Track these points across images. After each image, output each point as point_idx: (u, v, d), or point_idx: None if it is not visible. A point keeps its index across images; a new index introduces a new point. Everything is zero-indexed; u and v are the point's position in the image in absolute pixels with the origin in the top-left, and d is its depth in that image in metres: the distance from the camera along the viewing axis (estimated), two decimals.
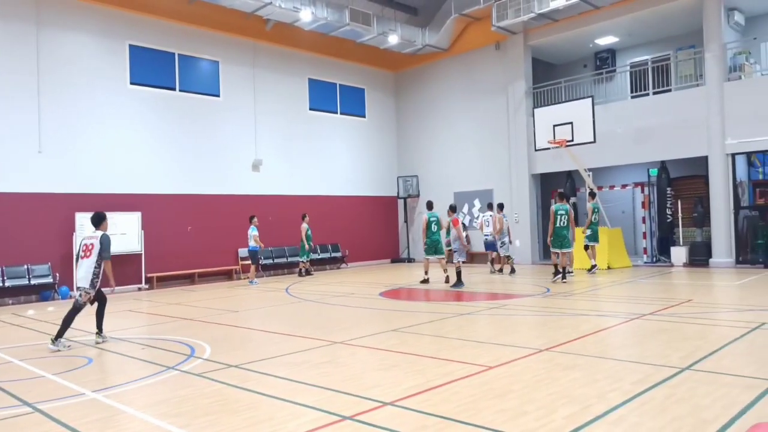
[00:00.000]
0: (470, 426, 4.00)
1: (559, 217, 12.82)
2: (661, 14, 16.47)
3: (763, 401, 4.26)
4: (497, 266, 16.09)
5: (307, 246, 17.33)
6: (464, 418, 4.14)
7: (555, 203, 13.21)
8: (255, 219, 16.08)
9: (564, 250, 12.90)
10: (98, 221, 8.09)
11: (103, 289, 8.08)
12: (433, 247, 13.62)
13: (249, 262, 16.43)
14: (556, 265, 13.02)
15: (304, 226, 17.29)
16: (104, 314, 8.18)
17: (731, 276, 12.91)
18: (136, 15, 16.10)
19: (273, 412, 4.49)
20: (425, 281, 13.88)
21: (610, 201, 18.45)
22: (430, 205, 14.02)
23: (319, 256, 19.73)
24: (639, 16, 16.55)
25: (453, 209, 13.77)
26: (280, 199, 19.03)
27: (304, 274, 17.64)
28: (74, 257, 8.80)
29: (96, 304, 8.08)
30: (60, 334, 7.61)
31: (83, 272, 7.80)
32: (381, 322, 8.76)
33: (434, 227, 13.52)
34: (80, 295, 7.79)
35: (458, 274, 12.84)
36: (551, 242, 12.97)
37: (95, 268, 7.77)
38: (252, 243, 15.87)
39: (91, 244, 7.86)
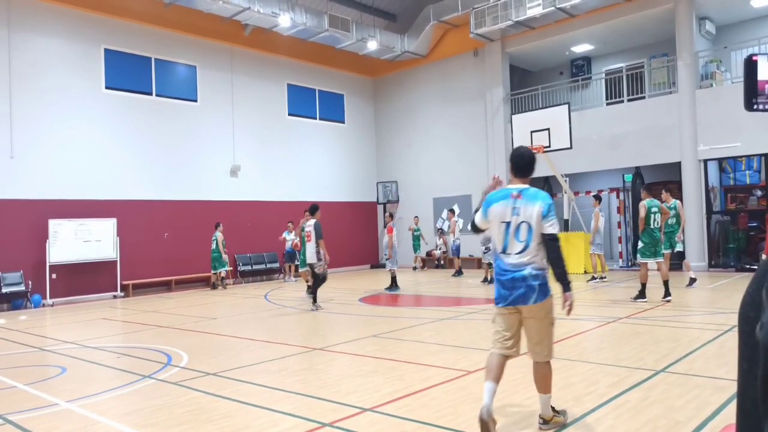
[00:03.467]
0: (449, 431, 4.01)
1: (652, 215, 9.93)
2: (634, 23, 16.81)
3: (734, 402, 4.34)
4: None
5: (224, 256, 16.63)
6: (443, 423, 4.15)
7: (643, 198, 10.34)
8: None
9: (659, 259, 10.01)
10: (314, 210, 10.95)
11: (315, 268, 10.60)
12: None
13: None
14: (644, 284, 9.95)
15: (219, 235, 16.46)
16: (318, 287, 10.86)
17: (703, 280, 13.17)
18: (111, 19, 15.91)
19: (250, 421, 4.45)
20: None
21: (585, 206, 18.68)
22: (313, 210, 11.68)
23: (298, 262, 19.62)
24: (613, 25, 16.86)
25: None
26: (259, 204, 18.91)
27: (218, 286, 16.75)
28: (300, 241, 11.81)
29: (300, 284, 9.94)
30: (315, 300, 10.68)
31: (309, 252, 10.70)
32: (360, 328, 8.74)
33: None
34: (317, 269, 10.61)
35: (393, 279, 13.59)
36: (641, 249, 9.94)
37: (316, 247, 10.55)
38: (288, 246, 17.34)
39: (310, 231, 10.74)
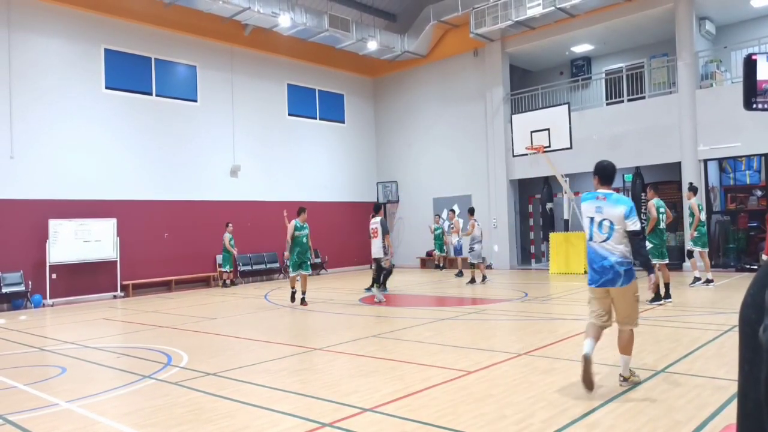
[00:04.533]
0: (449, 431, 4.01)
1: (660, 216, 9.93)
2: (634, 24, 16.81)
3: (735, 403, 4.34)
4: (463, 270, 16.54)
5: (234, 253, 16.93)
6: (443, 423, 4.15)
7: (650, 198, 10.33)
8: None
9: (665, 261, 9.86)
10: (378, 208, 11.87)
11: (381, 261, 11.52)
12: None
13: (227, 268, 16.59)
14: (667, 283, 9.77)
15: (226, 235, 16.76)
16: (387, 279, 12.02)
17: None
18: (111, 19, 15.90)
19: (250, 421, 4.45)
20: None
21: None
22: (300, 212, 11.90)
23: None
24: (613, 25, 16.86)
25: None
26: (259, 204, 18.91)
27: (229, 284, 17.05)
28: (369, 236, 12.13)
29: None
30: (384, 287, 11.80)
31: (376, 247, 11.57)
32: (360, 328, 8.74)
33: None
34: (383, 262, 11.56)
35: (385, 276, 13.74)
36: (651, 251, 9.46)
37: (383, 242, 11.47)
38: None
39: (375, 228, 11.63)
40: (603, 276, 4.83)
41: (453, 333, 8.09)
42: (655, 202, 10.02)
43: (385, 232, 11.60)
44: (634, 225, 4.80)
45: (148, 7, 16.40)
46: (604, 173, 5.20)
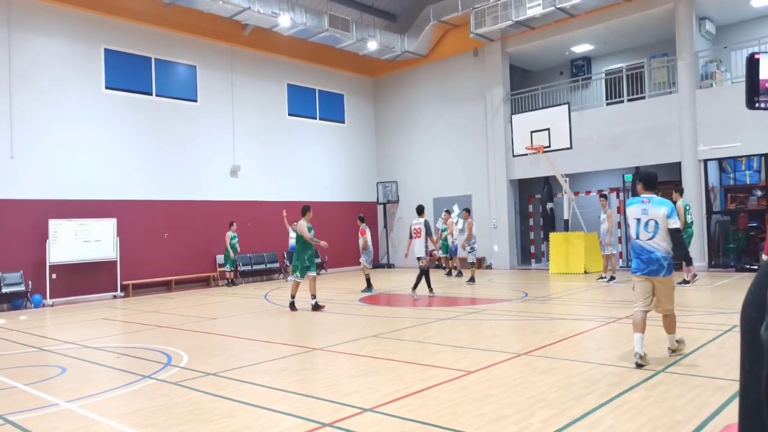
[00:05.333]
0: (449, 431, 4.01)
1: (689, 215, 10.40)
2: (634, 24, 16.80)
3: (735, 403, 4.35)
4: (453, 270, 16.78)
5: (231, 254, 17.02)
6: (443, 423, 4.15)
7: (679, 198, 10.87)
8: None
9: None
10: (421, 210, 12.24)
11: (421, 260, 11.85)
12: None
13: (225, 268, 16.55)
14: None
15: (229, 233, 16.95)
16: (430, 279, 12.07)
17: (703, 279, 13.15)
18: (111, 18, 15.91)
19: (250, 421, 4.45)
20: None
21: (585, 206, 18.69)
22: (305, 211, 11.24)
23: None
24: (613, 25, 16.85)
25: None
26: (259, 204, 18.91)
27: (230, 284, 17.24)
28: (409, 236, 12.41)
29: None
30: (416, 285, 11.84)
31: (419, 247, 11.88)
32: (360, 329, 8.74)
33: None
34: (420, 261, 11.89)
35: (367, 279, 13.72)
36: None
37: (426, 243, 11.81)
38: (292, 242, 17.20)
39: (418, 229, 11.97)
40: (649, 266, 5.75)
41: (453, 333, 8.09)
42: (682, 203, 10.41)
43: (429, 233, 11.98)
44: (675, 223, 5.72)
45: (148, 7, 16.40)
46: (648, 180, 6.05)
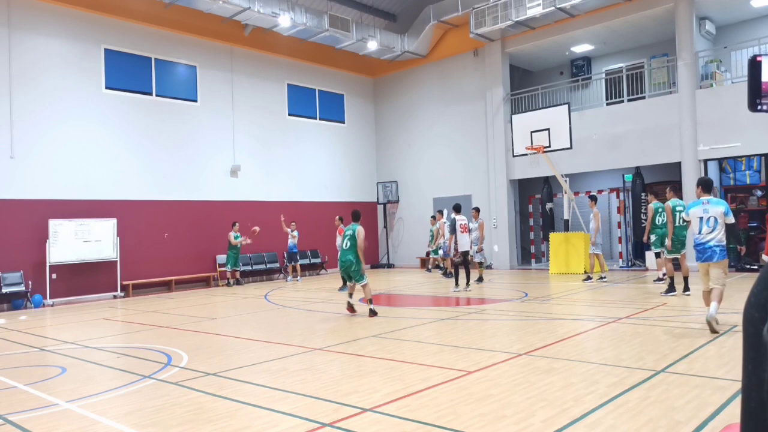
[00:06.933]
0: (449, 431, 4.01)
1: (677, 214, 10.52)
2: (634, 24, 16.80)
3: (735, 403, 4.35)
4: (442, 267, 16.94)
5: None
6: (443, 423, 4.15)
7: (669, 199, 10.92)
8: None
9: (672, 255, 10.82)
10: (459, 208, 12.96)
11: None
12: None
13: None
14: (672, 277, 10.69)
15: (232, 234, 16.99)
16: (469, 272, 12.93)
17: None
18: (111, 19, 15.90)
19: (250, 421, 4.45)
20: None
21: (585, 206, 18.68)
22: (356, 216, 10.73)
23: (300, 262, 19.64)
24: (613, 25, 16.86)
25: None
26: (259, 205, 18.91)
27: (232, 284, 17.26)
28: (457, 231, 12.75)
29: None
30: (456, 283, 12.74)
31: (464, 241, 12.61)
32: (360, 329, 8.74)
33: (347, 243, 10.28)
34: (456, 257, 12.86)
35: (344, 279, 13.62)
36: (671, 245, 10.62)
37: (449, 239, 13.14)
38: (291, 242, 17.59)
39: (465, 224, 12.73)
40: (704, 254, 7.21)
41: (453, 333, 8.09)
42: (672, 204, 10.68)
43: (452, 231, 12.66)
44: (730, 219, 7.19)
45: (148, 7, 16.40)
46: (706, 185, 7.44)
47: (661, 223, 11.38)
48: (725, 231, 7.14)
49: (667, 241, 10.59)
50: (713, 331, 6.84)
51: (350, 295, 10.35)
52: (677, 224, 10.42)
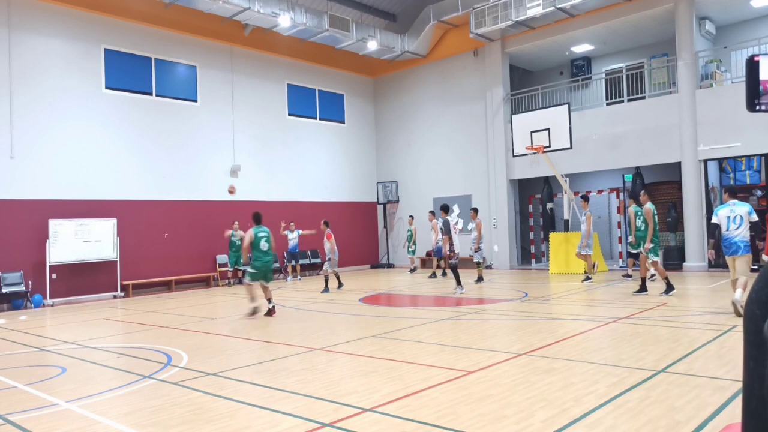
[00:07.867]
0: (449, 431, 4.01)
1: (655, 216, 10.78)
2: (634, 24, 16.81)
3: (735, 402, 4.35)
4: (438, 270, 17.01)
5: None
6: (443, 423, 4.15)
7: (647, 204, 11.01)
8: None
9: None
10: (447, 209, 13.02)
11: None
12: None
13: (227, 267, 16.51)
14: (667, 278, 10.71)
15: (238, 233, 16.74)
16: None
17: (704, 280, 13.16)
18: (111, 19, 15.90)
19: (250, 421, 4.45)
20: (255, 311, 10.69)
21: (579, 206, 18.70)
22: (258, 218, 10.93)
23: (300, 262, 19.64)
24: (613, 25, 16.86)
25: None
26: (259, 205, 18.86)
27: (232, 283, 17.33)
28: (456, 232, 12.98)
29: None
30: (458, 282, 12.43)
31: (456, 241, 12.70)
32: (360, 328, 8.74)
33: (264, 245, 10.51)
34: (456, 256, 12.72)
35: (326, 280, 14.11)
36: (650, 248, 10.72)
37: (444, 240, 12.66)
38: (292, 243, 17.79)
39: (454, 225, 12.94)
40: (731, 249, 8.25)
41: (453, 333, 8.08)
42: (651, 207, 10.91)
43: (447, 232, 12.60)
44: (754, 218, 8.32)
45: (148, 7, 16.40)
46: (732, 190, 8.72)
47: (641, 226, 11.65)
48: (749, 228, 8.25)
49: (648, 243, 10.69)
50: (738, 314, 7.81)
51: (253, 299, 10.61)
52: (657, 227, 10.86)
